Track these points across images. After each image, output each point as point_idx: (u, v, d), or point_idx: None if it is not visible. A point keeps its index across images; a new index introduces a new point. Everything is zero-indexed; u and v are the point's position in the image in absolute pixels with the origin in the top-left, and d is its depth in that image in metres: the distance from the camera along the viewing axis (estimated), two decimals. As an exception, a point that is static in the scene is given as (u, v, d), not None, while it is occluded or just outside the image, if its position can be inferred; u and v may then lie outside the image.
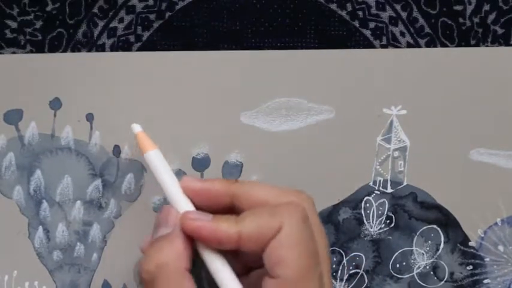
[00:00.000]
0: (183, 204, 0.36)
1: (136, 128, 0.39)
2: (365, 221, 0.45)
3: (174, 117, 0.44)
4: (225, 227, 0.33)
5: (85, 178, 0.44)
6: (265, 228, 0.33)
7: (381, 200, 0.45)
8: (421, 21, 0.45)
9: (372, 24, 0.45)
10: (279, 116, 0.44)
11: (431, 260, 0.45)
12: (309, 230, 0.34)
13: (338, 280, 0.45)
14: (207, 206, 0.36)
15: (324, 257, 0.35)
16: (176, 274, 0.33)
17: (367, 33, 0.45)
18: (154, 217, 0.37)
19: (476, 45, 0.45)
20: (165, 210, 0.36)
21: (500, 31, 0.45)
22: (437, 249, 0.45)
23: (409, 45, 0.45)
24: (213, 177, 0.40)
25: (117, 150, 0.44)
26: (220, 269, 0.34)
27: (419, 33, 0.45)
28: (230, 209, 0.36)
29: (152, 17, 0.45)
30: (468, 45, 0.45)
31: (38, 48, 0.44)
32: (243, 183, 0.36)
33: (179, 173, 0.44)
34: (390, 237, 0.45)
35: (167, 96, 0.44)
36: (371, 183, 0.45)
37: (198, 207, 0.36)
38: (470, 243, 0.45)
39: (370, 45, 0.45)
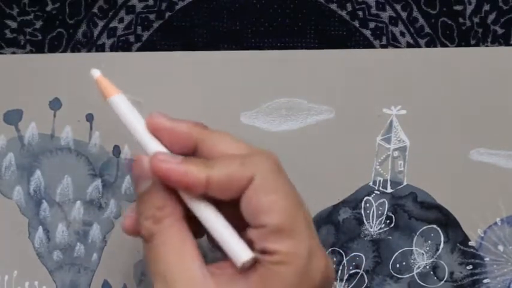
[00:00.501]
0: (153, 146, 0.34)
1: (96, 72, 0.36)
2: (365, 221, 0.45)
3: (174, 117, 0.44)
4: (195, 171, 0.32)
5: (85, 178, 0.44)
6: (235, 177, 0.32)
7: (381, 200, 0.45)
8: (421, 21, 0.45)
9: (372, 24, 0.45)
10: (279, 116, 0.44)
11: (431, 260, 0.45)
12: (283, 175, 0.33)
13: (338, 280, 0.45)
14: (173, 146, 0.35)
15: (303, 200, 0.33)
16: (172, 227, 0.33)
17: (367, 33, 0.45)
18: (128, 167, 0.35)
19: (476, 45, 0.45)
20: (139, 161, 0.34)
21: (500, 31, 0.45)
22: (437, 249, 0.45)
23: (409, 45, 0.45)
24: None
25: (117, 150, 0.44)
26: (203, 209, 0.33)
27: (419, 33, 0.45)
28: (195, 152, 0.35)
29: (152, 17, 0.45)
30: (468, 45, 0.45)
31: (38, 48, 0.44)
32: (212, 133, 0.35)
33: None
34: (390, 237, 0.45)
35: (167, 96, 0.44)
36: (371, 183, 0.45)
37: (167, 147, 0.35)
38: (470, 243, 0.45)
39: (370, 45, 0.45)
